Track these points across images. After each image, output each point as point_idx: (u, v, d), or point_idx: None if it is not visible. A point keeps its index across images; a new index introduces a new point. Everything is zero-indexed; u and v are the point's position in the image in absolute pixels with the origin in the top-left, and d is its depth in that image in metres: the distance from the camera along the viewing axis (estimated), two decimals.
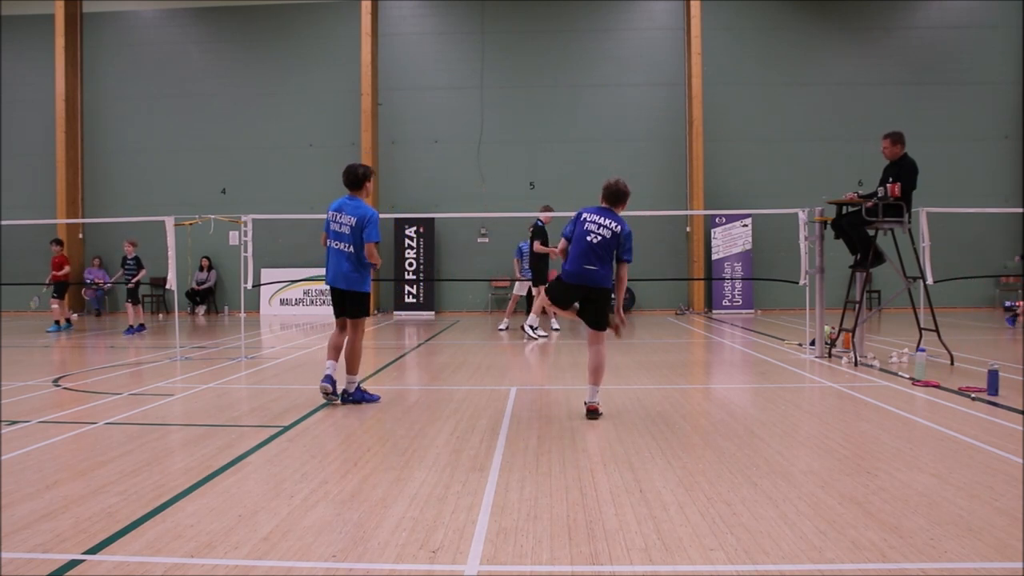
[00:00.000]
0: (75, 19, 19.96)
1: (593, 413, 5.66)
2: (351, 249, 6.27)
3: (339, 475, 4.14)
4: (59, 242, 15.31)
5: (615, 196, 5.79)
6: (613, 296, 5.87)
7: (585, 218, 5.68)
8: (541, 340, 11.80)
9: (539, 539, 3.14)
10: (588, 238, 5.59)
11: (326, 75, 19.40)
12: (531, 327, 12.15)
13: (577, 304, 5.82)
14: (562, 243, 5.83)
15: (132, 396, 6.81)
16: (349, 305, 6.41)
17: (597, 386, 5.74)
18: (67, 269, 15.00)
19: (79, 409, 6.23)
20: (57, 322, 14.41)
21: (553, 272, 11.93)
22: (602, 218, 5.65)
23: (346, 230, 6.28)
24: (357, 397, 6.35)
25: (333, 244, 6.35)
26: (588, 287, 5.64)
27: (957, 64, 18.72)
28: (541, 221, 12.30)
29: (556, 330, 13.29)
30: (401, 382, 7.81)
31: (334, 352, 6.38)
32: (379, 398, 6.49)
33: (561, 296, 5.82)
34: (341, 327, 6.51)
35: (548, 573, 2.82)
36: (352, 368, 6.38)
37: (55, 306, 14.46)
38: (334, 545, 3.09)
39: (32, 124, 19.87)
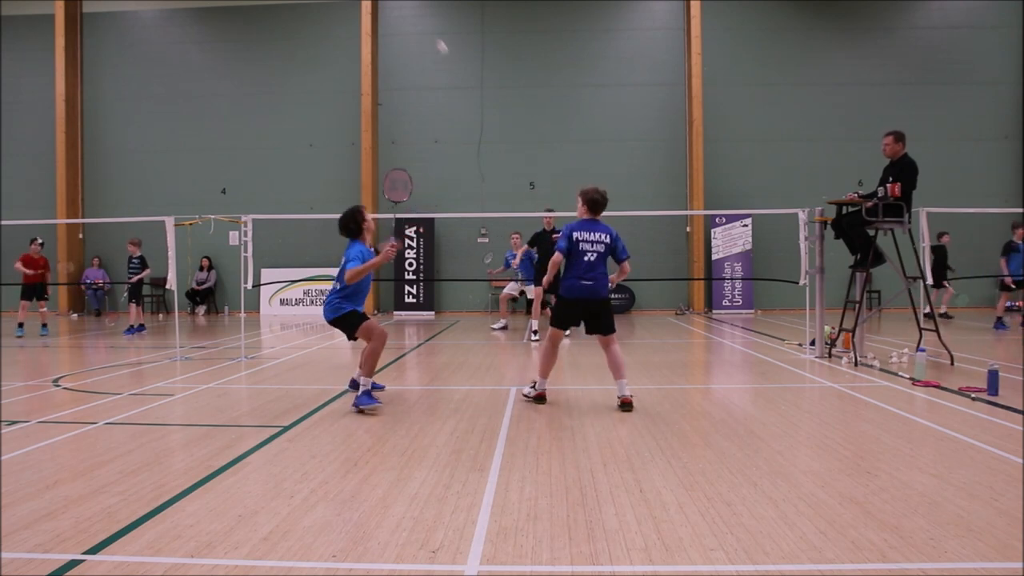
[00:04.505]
0: (75, 19, 19.97)
1: (627, 406, 5.86)
2: (335, 283, 6.32)
3: (339, 475, 4.14)
4: (35, 240, 14.17)
5: (599, 206, 6.07)
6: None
7: (577, 238, 5.93)
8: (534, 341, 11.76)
9: (539, 539, 3.14)
10: (585, 257, 5.91)
11: (326, 75, 19.40)
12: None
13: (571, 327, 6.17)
14: (557, 256, 6.03)
15: (132, 396, 6.81)
16: (343, 329, 6.38)
17: (625, 379, 5.97)
18: (29, 272, 13.78)
19: (79, 409, 6.23)
20: (44, 325, 13.89)
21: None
22: (592, 233, 5.95)
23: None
24: (362, 401, 6.04)
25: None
26: (589, 299, 5.95)
27: (957, 64, 18.72)
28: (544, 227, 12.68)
29: (502, 328, 13.74)
30: (401, 382, 7.80)
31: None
32: (379, 403, 6.19)
33: (566, 318, 6.12)
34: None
35: (548, 573, 2.82)
36: (364, 370, 6.22)
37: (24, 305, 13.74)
38: (334, 545, 3.09)
39: (32, 124, 19.87)
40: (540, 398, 6.21)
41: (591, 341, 11.83)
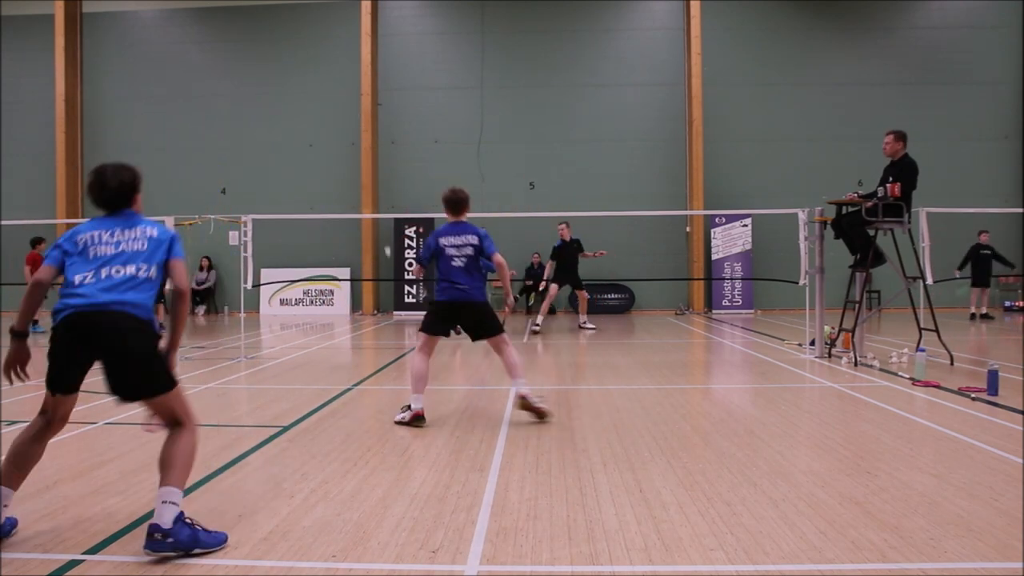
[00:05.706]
0: (75, 19, 19.97)
1: (525, 401, 5.45)
2: (147, 273, 3.30)
3: (339, 475, 4.14)
4: (41, 241, 14.58)
5: (457, 205, 5.79)
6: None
7: (443, 244, 5.69)
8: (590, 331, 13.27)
9: (539, 539, 3.14)
10: (453, 263, 5.67)
11: (326, 75, 19.40)
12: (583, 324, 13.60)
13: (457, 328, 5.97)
14: (416, 269, 5.96)
15: None
16: (125, 364, 3.50)
17: (522, 379, 5.58)
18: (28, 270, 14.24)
19: (79, 409, 6.18)
20: (35, 322, 14.19)
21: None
22: (458, 237, 5.70)
23: (136, 246, 3.33)
24: (185, 539, 2.93)
25: (89, 276, 3.29)
26: (463, 303, 5.66)
27: (957, 64, 18.72)
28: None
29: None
30: (401, 382, 7.80)
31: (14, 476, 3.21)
32: (225, 538, 3.09)
33: (437, 325, 5.77)
34: (58, 417, 3.56)
35: (548, 573, 2.82)
36: (179, 477, 3.08)
37: None
38: (334, 545, 3.09)
39: (32, 124, 19.86)
40: (418, 418, 5.36)
41: (591, 340, 11.85)
